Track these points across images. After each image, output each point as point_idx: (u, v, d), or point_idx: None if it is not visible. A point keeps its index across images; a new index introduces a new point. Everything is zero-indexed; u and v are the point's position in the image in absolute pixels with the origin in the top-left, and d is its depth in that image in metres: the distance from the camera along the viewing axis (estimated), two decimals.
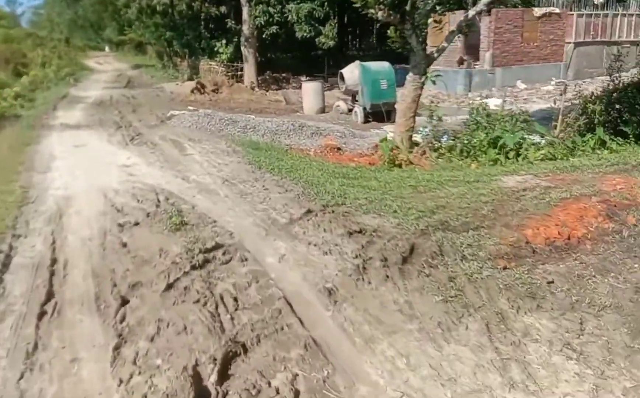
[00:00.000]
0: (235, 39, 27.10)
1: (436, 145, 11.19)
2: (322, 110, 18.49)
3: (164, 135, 10.89)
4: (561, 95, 11.52)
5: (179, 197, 6.58)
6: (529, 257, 4.87)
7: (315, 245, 4.87)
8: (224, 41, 27.06)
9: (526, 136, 10.11)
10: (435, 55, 11.41)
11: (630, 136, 10.48)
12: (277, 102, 20.70)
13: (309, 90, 18.34)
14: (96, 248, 5.19)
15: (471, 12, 11.01)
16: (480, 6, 10.89)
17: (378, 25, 32.28)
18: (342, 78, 17.75)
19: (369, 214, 5.81)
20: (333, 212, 5.73)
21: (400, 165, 9.46)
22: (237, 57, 27.12)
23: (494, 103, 21.07)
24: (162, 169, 8.18)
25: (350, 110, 17.96)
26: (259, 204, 6.13)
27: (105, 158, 9.13)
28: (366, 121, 16.66)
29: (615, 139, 10.34)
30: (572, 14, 26.41)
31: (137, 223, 5.68)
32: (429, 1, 10.64)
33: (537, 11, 25.04)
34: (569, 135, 10.80)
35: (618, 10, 29.91)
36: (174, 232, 5.40)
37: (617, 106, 10.77)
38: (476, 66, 24.29)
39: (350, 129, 13.52)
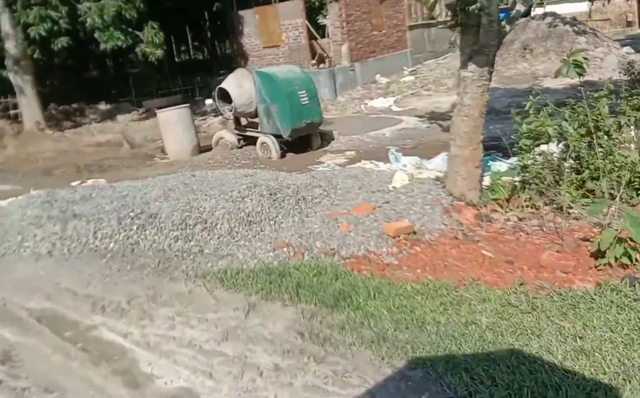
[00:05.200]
0: None
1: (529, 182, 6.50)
2: (198, 149, 12.18)
3: (11, 305, 3.93)
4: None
5: None
6: None
7: None
8: None
9: None
10: (508, 29, 6.71)
11: None
12: (108, 145, 13.45)
13: (173, 123, 11.87)
14: None
15: None
16: None
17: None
18: (224, 97, 11.75)
19: None
20: None
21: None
22: None
23: (380, 104, 17.37)
24: None
25: (240, 144, 12.12)
26: None
27: None
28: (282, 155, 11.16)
29: None
30: None
31: None
32: None
33: None
34: None
35: None
36: None
37: None
38: (337, 65, 20.24)
39: (322, 178, 7.93)
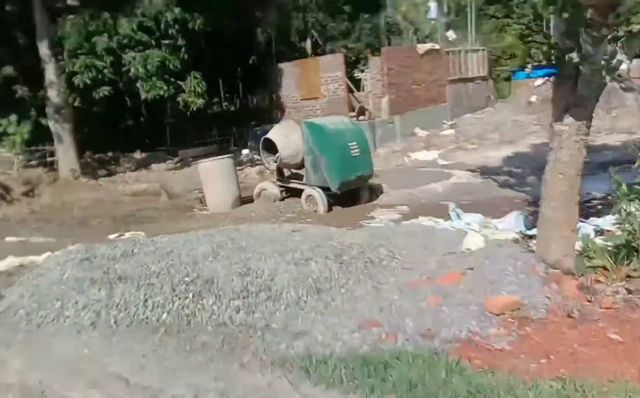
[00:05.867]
0: (33, 113, 18.27)
1: None
2: (239, 200, 11.60)
3: (51, 395, 3.20)
4: None
5: None
6: None
7: None
8: (14, 117, 18.03)
9: None
10: (608, 80, 5.96)
11: None
12: (145, 195, 12.99)
13: (216, 174, 11.36)
14: None
15: None
16: None
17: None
18: (268, 147, 11.25)
19: None
20: None
21: None
22: (37, 138, 18.29)
23: (424, 157, 16.75)
24: None
25: (282, 196, 11.51)
26: None
27: None
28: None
29: None
30: None
31: None
32: None
33: (421, 48, 21.90)
34: None
35: (468, 47, 28.98)
36: None
37: None
38: (376, 117, 19.81)
39: (381, 236, 7.17)
